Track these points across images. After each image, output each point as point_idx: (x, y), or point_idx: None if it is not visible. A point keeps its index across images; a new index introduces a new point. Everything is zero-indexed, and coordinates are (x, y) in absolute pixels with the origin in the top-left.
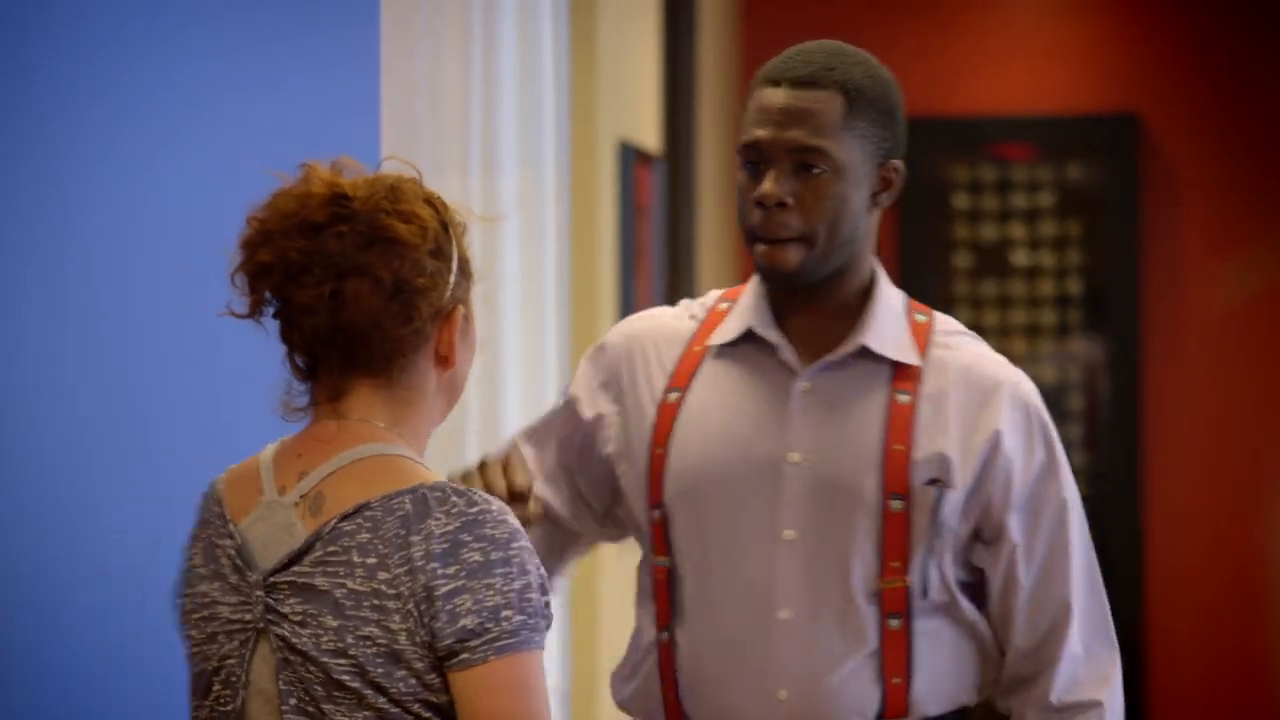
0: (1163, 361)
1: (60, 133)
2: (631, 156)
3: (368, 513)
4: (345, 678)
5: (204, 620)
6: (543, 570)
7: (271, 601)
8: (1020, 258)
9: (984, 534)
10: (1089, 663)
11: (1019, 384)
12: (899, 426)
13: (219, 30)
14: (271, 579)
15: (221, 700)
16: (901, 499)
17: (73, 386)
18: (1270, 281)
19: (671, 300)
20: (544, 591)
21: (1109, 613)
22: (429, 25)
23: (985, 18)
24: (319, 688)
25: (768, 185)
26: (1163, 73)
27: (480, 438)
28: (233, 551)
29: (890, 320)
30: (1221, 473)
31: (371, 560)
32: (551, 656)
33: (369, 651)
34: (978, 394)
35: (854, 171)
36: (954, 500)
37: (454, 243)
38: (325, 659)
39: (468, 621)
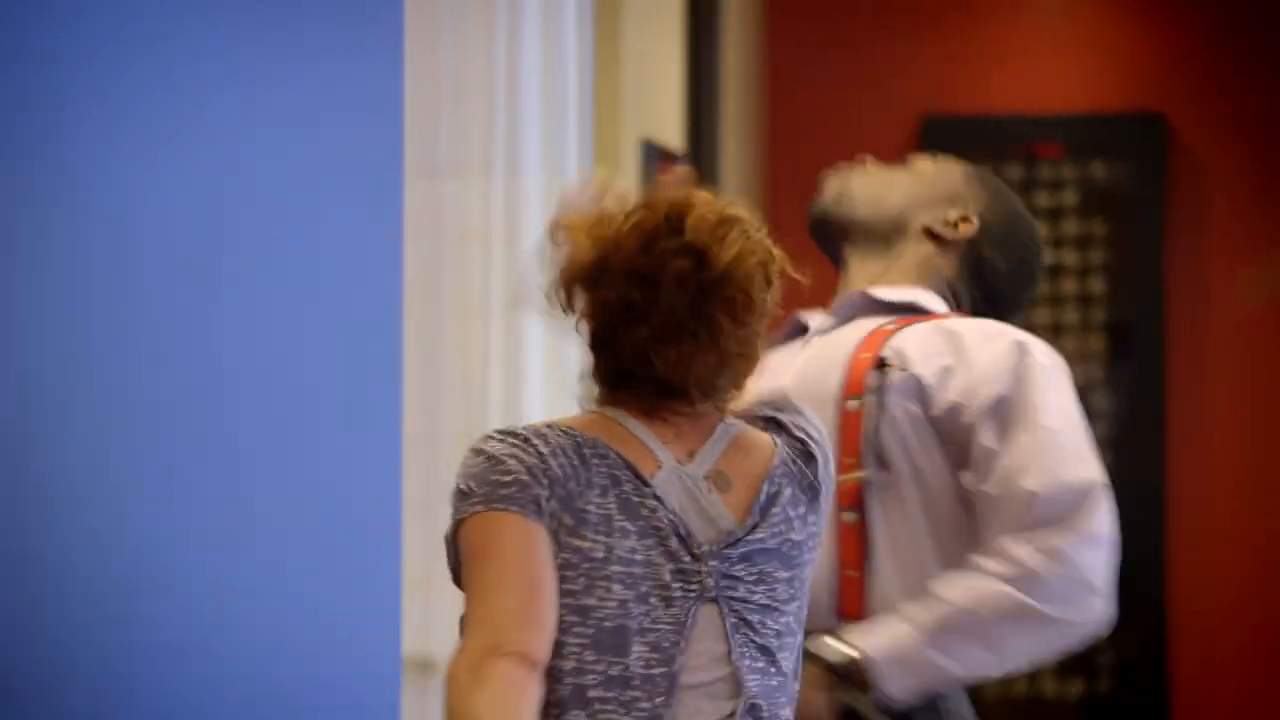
0: (1186, 360)
1: (62, 132)
2: (655, 155)
3: (774, 475)
4: (791, 617)
5: (635, 576)
6: None
7: (721, 569)
8: (1044, 255)
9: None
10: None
11: (1011, 331)
12: (874, 342)
13: (235, 23)
14: (720, 550)
15: (649, 663)
16: (858, 399)
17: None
18: None
19: None
20: None
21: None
22: (453, 24)
23: (1010, 17)
24: (773, 636)
25: None
26: (1190, 72)
27: None
28: (670, 518)
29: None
30: (1246, 473)
31: (795, 509)
32: None
33: (804, 575)
34: (963, 332)
35: None
36: (908, 384)
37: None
38: (781, 605)
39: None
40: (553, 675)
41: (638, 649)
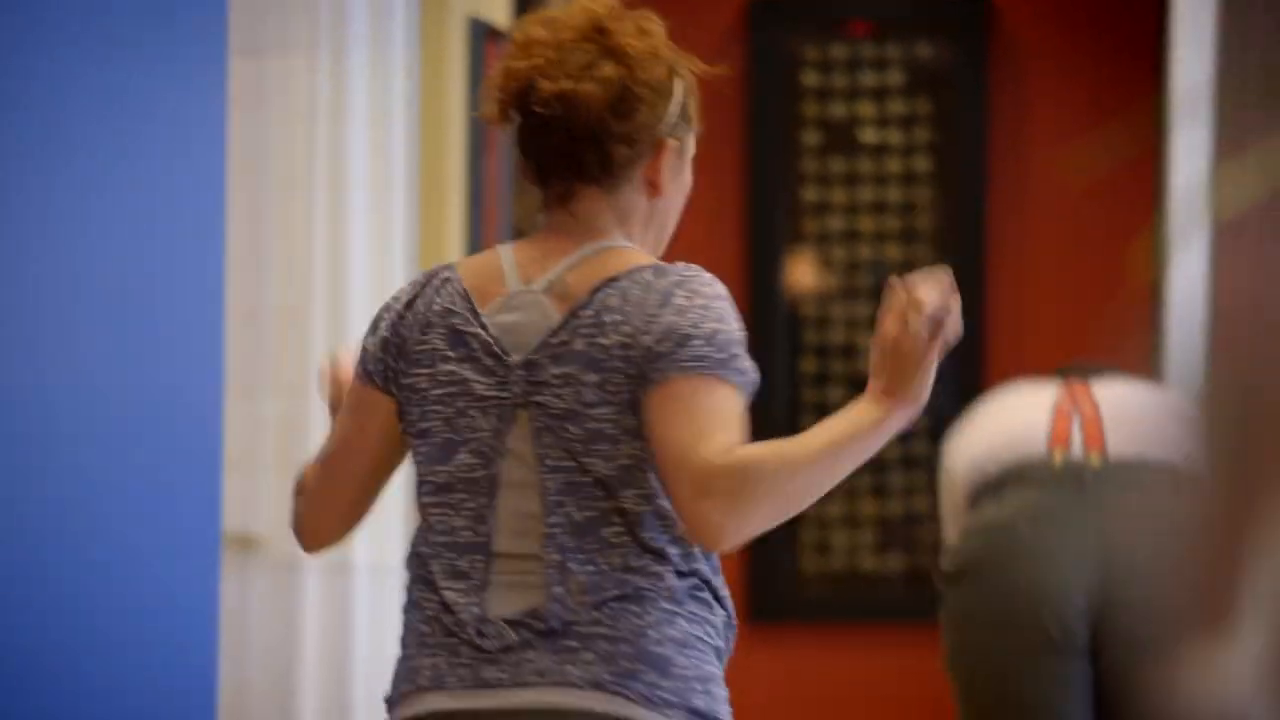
0: (1007, 239)
1: None
2: (482, 33)
3: (616, 284)
4: (606, 426)
5: (452, 396)
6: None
7: (531, 376)
8: (868, 135)
9: None
10: None
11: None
12: None
13: None
14: (530, 358)
15: (468, 468)
16: None
17: None
18: (1115, 161)
19: (516, 177)
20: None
21: None
22: None
23: None
24: (578, 444)
25: None
26: None
27: (327, 318)
28: (488, 338)
29: None
30: (1061, 349)
31: (618, 318)
32: None
33: (625, 398)
34: None
35: None
36: None
37: (681, 85)
38: (584, 410)
39: (661, 347)
40: (421, 488)
41: (461, 456)
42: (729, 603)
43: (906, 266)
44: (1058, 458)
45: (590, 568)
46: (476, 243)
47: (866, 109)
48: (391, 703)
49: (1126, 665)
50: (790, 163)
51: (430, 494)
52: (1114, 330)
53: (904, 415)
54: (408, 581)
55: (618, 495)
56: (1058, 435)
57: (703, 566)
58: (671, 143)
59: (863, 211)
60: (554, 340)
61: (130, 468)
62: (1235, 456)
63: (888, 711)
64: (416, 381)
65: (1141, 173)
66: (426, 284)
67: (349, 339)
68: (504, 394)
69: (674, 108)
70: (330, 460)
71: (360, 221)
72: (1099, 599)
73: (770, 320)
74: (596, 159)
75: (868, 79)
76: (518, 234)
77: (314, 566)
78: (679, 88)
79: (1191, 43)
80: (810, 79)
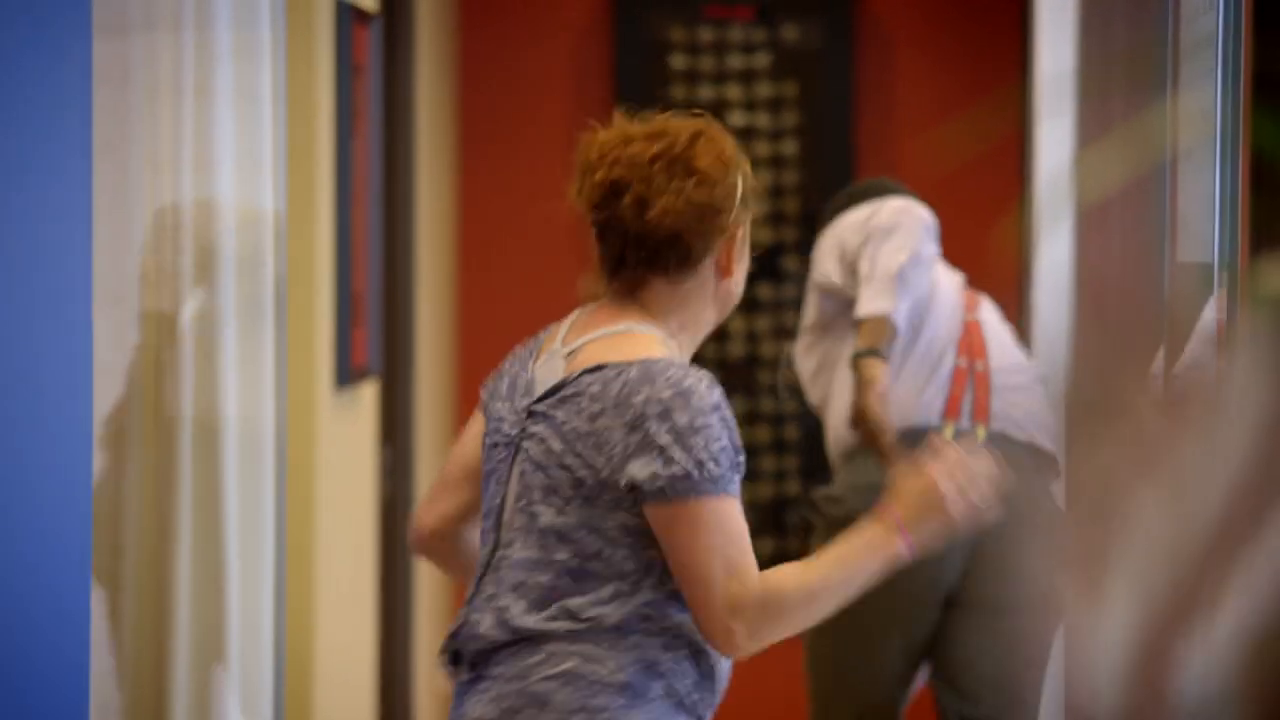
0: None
1: None
2: (348, 14)
3: (601, 371)
4: (561, 485)
5: (494, 432)
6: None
7: (528, 423)
8: (736, 118)
9: None
10: None
11: None
12: None
13: None
14: (531, 406)
15: (492, 494)
16: None
17: None
18: (981, 146)
19: (388, 161)
20: (736, 450)
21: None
22: None
23: None
24: (537, 491)
25: None
26: None
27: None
28: (522, 384)
29: None
30: None
31: (596, 407)
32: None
33: (583, 474)
34: None
35: None
36: None
37: (744, 179)
38: (552, 467)
39: (675, 470)
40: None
41: (491, 486)
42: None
43: (774, 249)
44: (948, 430)
45: (522, 605)
46: (345, 225)
47: (734, 92)
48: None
49: (987, 623)
50: None
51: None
52: None
53: (910, 552)
54: None
55: (554, 550)
56: (951, 407)
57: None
58: (739, 232)
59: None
60: (545, 400)
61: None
62: (1099, 434)
63: (760, 696)
64: (488, 420)
65: (1007, 157)
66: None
67: (215, 320)
68: (513, 433)
69: (739, 202)
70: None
71: (228, 203)
72: (970, 560)
73: None
74: (676, 258)
75: (735, 62)
76: (385, 215)
77: (185, 549)
78: (743, 182)
79: (1054, 28)
80: (677, 62)
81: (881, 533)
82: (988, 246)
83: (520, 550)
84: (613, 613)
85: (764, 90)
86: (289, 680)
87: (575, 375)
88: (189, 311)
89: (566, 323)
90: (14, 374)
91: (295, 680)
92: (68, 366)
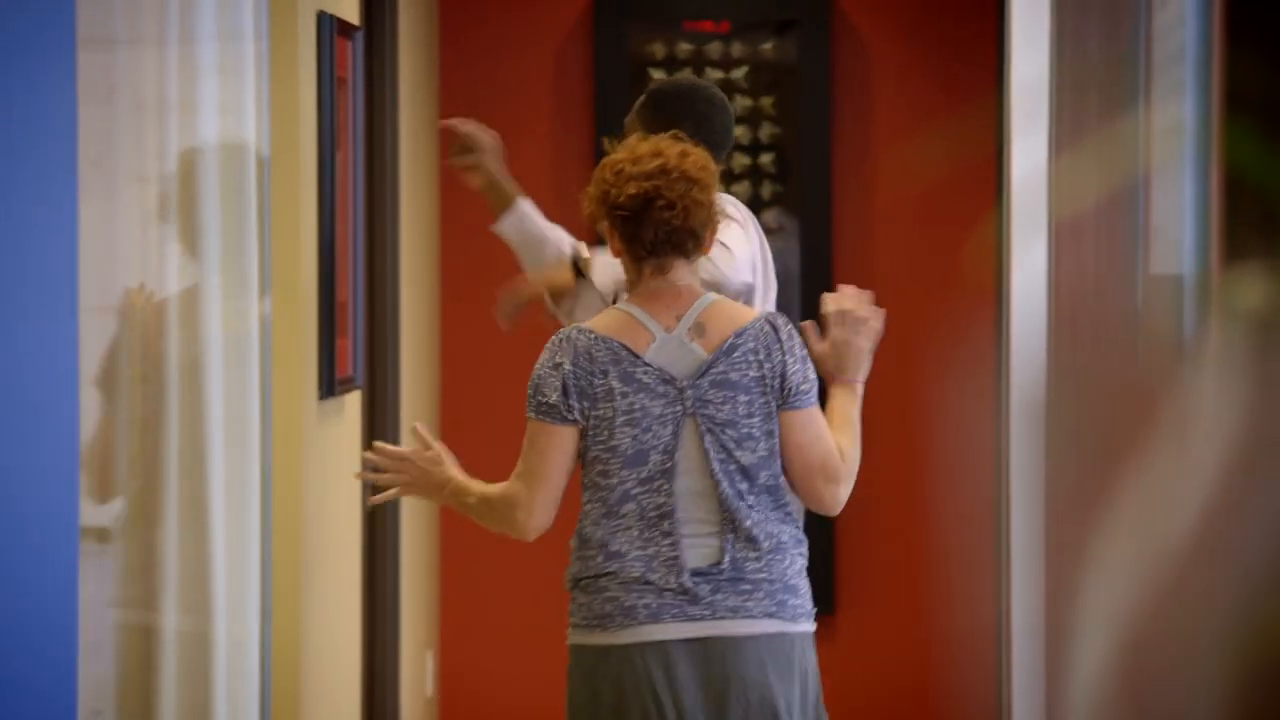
0: (851, 236)
1: None
2: (331, 27)
3: (746, 331)
4: (754, 429)
5: (636, 419)
6: None
7: (697, 395)
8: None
9: None
10: None
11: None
12: None
13: None
14: (695, 381)
15: (657, 462)
16: None
17: None
18: (957, 159)
19: (371, 172)
20: None
21: None
22: None
23: None
24: (732, 443)
25: None
26: None
27: (180, 313)
28: (655, 372)
29: None
30: (905, 345)
31: (756, 357)
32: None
33: (766, 412)
34: None
35: None
36: None
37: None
38: (740, 419)
39: (803, 385)
40: (605, 487)
41: (654, 457)
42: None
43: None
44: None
45: (749, 524)
46: (330, 236)
47: None
48: (598, 630)
49: None
50: None
51: (627, 486)
52: (957, 325)
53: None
54: (587, 551)
55: (758, 476)
56: None
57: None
58: (721, 219)
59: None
60: (711, 370)
61: None
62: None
63: None
64: (603, 413)
65: (984, 170)
66: (569, 344)
67: (201, 333)
68: (676, 409)
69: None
70: (541, 476)
71: (213, 215)
72: None
73: None
74: (694, 245)
75: (713, 76)
76: (369, 226)
77: (172, 556)
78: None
79: (1029, 42)
80: (657, 76)
81: (844, 394)
82: (964, 258)
83: (728, 489)
84: (794, 518)
85: (741, 104)
86: (276, 685)
87: (730, 342)
88: (176, 320)
89: (638, 318)
90: (0, 386)
91: (282, 685)
92: (54, 380)
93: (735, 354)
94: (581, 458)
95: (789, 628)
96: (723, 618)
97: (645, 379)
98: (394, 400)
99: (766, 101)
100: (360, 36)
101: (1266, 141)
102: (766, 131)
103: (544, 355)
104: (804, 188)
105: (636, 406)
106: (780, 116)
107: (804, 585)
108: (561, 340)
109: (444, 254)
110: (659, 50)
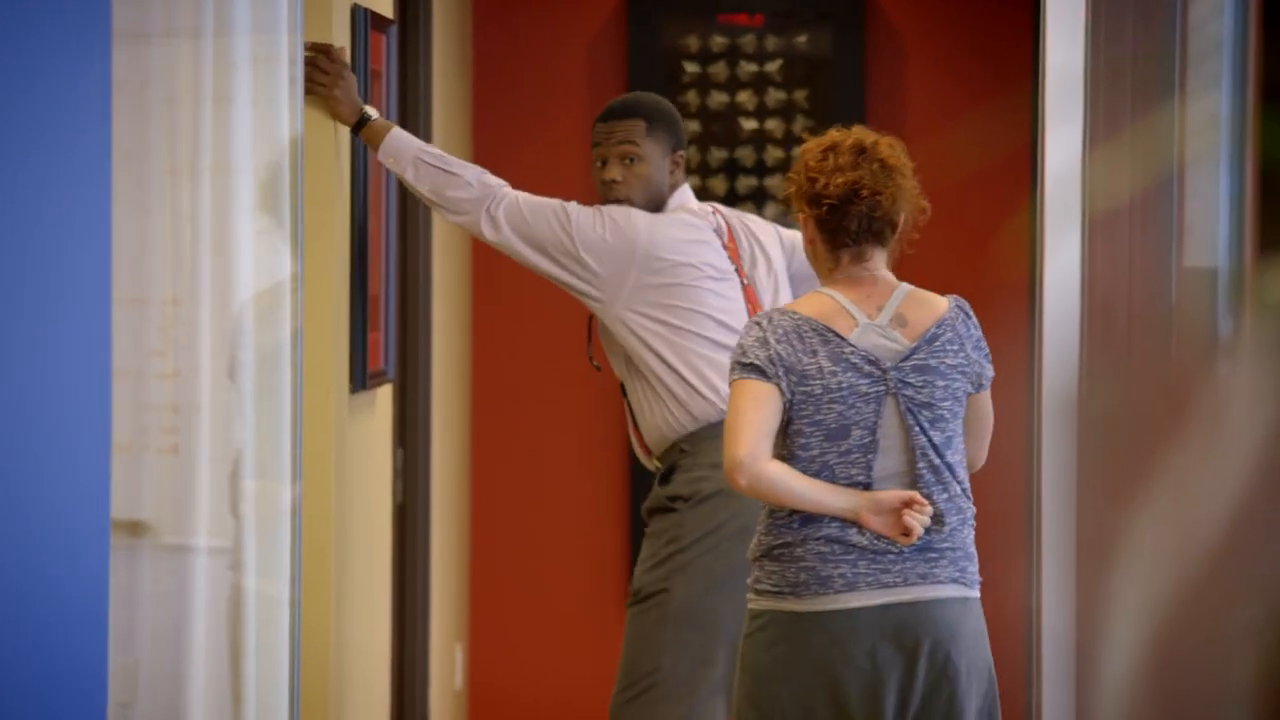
0: None
1: None
2: (365, 20)
3: (945, 321)
4: (946, 411)
5: (843, 395)
6: None
7: (900, 378)
8: (748, 125)
9: None
10: None
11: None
12: None
13: None
14: (898, 365)
15: (859, 436)
16: None
17: None
18: (991, 152)
19: None
20: None
21: None
22: None
23: None
24: (927, 423)
25: (608, 172)
26: None
27: (213, 304)
28: (861, 354)
29: None
30: None
31: (955, 346)
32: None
33: (960, 395)
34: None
35: (656, 160)
36: None
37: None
38: (936, 402)
39: (984, 371)
40: (804, 459)
41: (855, 432)
42: None
43: None
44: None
45: (943, 497)
46: (363, 228)
47: (746, 99)
48: (790, 597)
49: None
50: None
51: (828, 458)
52: (990, 320)
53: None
54: (778, 520)
55: (945, 455)
56: None
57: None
58: (917, 213)
59: (742, 201)
60: (914, 356)
61: (18, 454)
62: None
63: None
64: (812, 389)
65: (1018, 163)
66: (773, 325)
67: (235, 324)
68: (879, 389)
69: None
70: (748, 423)
71: (245, 208)
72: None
73: None
74: (891, 233)
75: (747, 69)
76: (401, 220)
77: (202, 550)
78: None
79: (1064, 34)
80: (690, 69)
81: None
82: (997, 251)
83: (923, 466)
84: (969, 492)
85: (775, 97)
86: (306, 679)
87: (931, 332)
88: (207, 314)
89: (842, 303)
90: (34, 379)
91: (313, 677)
92: (86, 372)
93: (936, 343)
94: (783, 430)
95: (970, 593)
96: (913, 584)
97: (853, 359)
98: (425, 394)
99: (800, 95)
100: (394, 30)
101: None
102: (800, 124)
103: (750, 333)
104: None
105: (845, 385)
106: (814, 109)
107: (976, 554)
108: (765, 321)
109: (476, 248)
110: (693, 43)
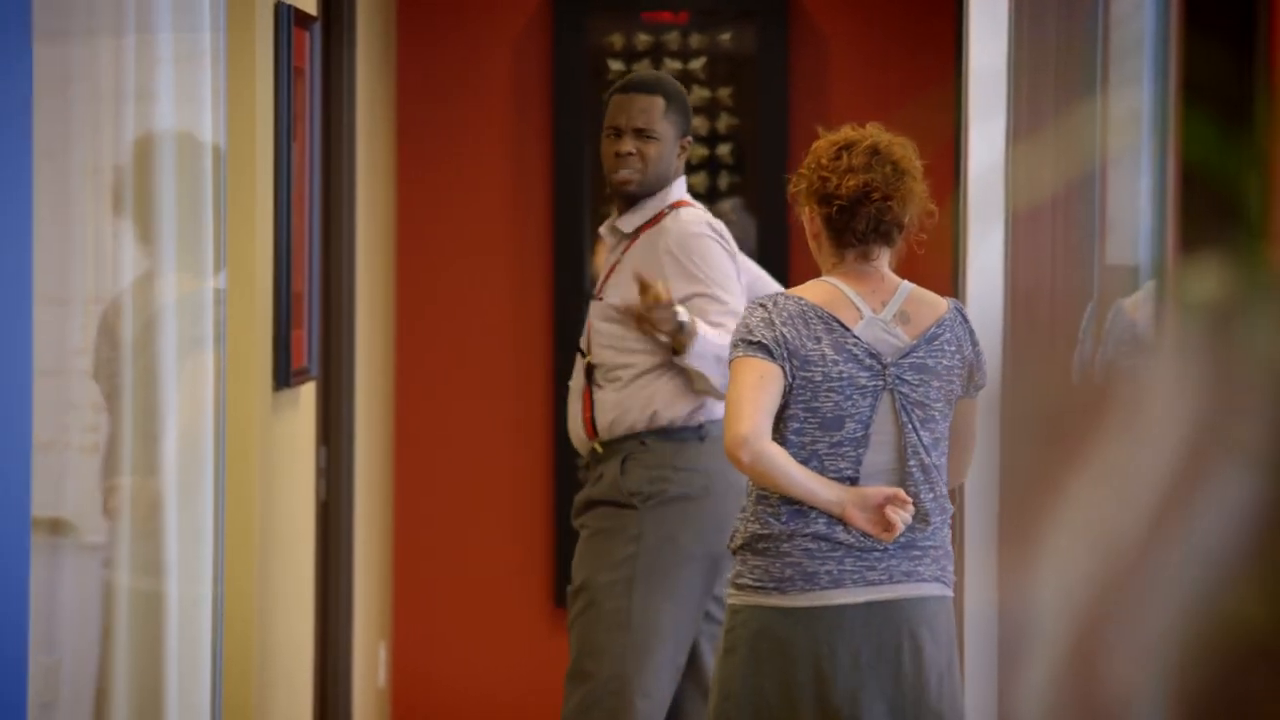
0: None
1: None
2: (289, 17)
3: (945, 321)
4: (936, 413)
5: (842, 385)
6: None
7: (898, 374)
8: None
9: None
10: None
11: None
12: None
13: None
14: (897, 361)
15: (852, 429)
16: None
17: None
18: (917, 144)
19: (327, 164)
20: None
21: None
22: None
23: None
24: (919, 421)
25: (623, 145)
26: None
27: (135, 302)
28: (864, 347)
29: (650, 210)
30: None
31: (952, 347)
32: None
33: (951, 398)
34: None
35: (668, 142)
36: None
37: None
38: (930, 402)
39: (976, 379)
40: (795, 445)
41: (849, 424)
42: None
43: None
44: None
45: (929, 496)
46: (285, 227)
47: None
48: (775, 592)
49: None
50: (597, 150)
51: (818, 448)
52: None
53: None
54: (766, 509)
55: (933, 454)
56: None
57: None
58: (924, 216)
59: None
60: (912, 354)
61: None
62: (1030, 432)
63: None
64: (812, 375)
65: (941, 160)
66: (779, 308)
67: (156, 323)
68: (877, 383)
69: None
70: (750, 401)
71: (168, 204)
72: None
73: (575, 303)
74: (899, 233)
75: (671, 66)
76: (325, 217)
77: (124, 549)
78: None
79: (987, 31)
80: (615, 67)
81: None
82: (922, 247)
83: (913, 463)
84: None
85: (700, 94)
86: (229, 677)
87: (930, 331)
88: (130, 309)
89: (847, 294)
90: None
91: (235, 676)
92: (8, 370)
93: (935, 343)
94: (777, 415)
95: (948, 593)
96: (898, 581)
97: (855, 351)
98: (349, 391)
99: (724, 92)
100: (318, 27)
101: (1224, 130)
102: (724, 122)
103: (755, 314)
104: (761, 179)
105: (845, 375)
106: (738, 107)
107: (953, 553)
108: (770, 304)
109: (400, 246)
110: (618, 41)
